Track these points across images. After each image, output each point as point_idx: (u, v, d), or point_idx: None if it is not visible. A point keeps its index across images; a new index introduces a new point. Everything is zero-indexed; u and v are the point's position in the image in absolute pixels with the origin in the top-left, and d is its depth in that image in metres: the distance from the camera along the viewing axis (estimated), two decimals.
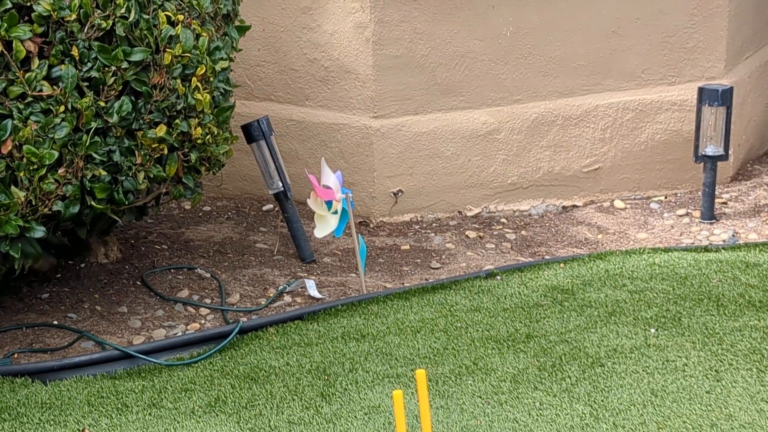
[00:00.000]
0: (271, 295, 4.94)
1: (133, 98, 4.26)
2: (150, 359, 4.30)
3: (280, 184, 5.30)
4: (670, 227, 5.72)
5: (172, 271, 5.13)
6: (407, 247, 5.49)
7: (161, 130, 4.32)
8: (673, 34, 6.00)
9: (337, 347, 4.40)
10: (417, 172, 5.78)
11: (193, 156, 4.49)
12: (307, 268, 5.23)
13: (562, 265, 5.15)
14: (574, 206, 6.01)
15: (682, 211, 5.89)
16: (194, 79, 4.40)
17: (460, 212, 5.89)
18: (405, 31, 5.63)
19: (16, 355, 4.45)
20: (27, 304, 4.82)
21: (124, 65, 4.21)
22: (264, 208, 5.88)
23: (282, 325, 4.58)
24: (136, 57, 4.23)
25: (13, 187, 4.08)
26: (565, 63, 5.90)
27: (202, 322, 4.74)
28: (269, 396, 4.04)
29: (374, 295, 4.82)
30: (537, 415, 3.87)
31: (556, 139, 5.94)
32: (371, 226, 5.74)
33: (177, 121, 4.37)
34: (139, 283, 5.00)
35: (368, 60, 5.62)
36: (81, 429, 3.86)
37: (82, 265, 5.09)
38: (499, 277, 5.04)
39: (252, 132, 5.27)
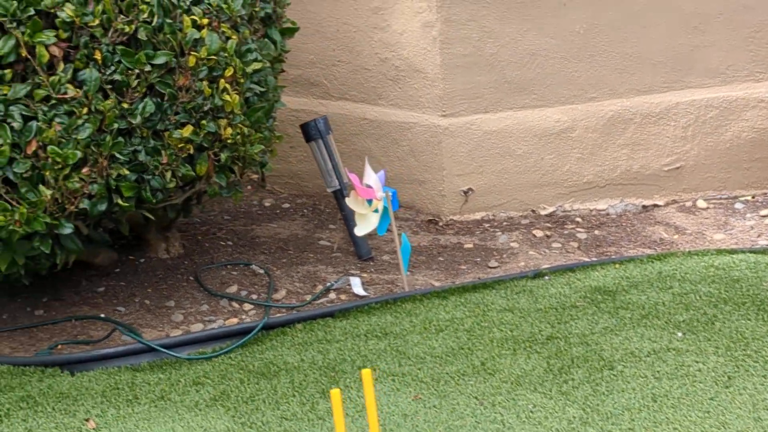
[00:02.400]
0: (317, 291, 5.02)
1: (157, 100, 4.40)
2: (170, 353, 4.43)
3: (337, 183, 5.38)
4: (750, 228, 5.55)
5: (228, 267, 5.26)
6: (471, 245, 5.49)
7: (187, 131, 4.44)
8: (760, 29, 5.82)
9: (355, 345, 4.44)
10: (488, 171, 5.76)
11: (223, 155, 4.59)
12: (362, 266, 5.28)
13: (616, 265, 5.07)
14: (655, 205, 5.90)
15: (765, 212, 5.71)
16: (222, 80, 4.51)
17: (533, 211, 5.84)
18: (473, 29, 5.62)
19: (60, 346, 4.64)
20: (83, 297, 5.02)
21: (148, 68, 4.35)
22: None
23: (309, 322, 4.64)
24: (159, 60, 4.36)
25: (40, 186, 4.26)
26: (643, 60, 5.79)
27: (243, 317, 4.84)
28: (272, 392, 4.11)
29: (412, 293, 4.85)
30: (525, 417, 3.83)
31: (634, 138, 5.83)
32: (440, 224, 5.75)
33: (204, 121, 4.48)
34: (192, 278, 5.15)
35: (436, 59, 5.64)
36: (86, 419, 4.01)
37: (142, 260, 5.26)
38: (547, 277, 4.99)
39: (309, 131, 5.36)
